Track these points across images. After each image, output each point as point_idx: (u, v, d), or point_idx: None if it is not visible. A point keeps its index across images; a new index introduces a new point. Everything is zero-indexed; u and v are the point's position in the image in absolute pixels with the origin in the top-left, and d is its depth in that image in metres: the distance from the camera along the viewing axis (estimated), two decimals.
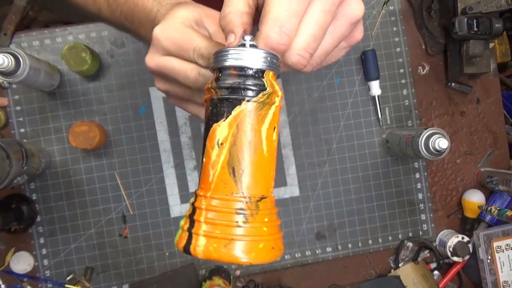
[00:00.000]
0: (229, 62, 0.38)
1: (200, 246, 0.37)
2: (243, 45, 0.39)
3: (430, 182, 0.87)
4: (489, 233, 0.80)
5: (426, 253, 0.87)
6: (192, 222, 0.38)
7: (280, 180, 0.84)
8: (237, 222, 0.37)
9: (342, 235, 0.85)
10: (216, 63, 0.39)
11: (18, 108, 0.81)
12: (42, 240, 0.82)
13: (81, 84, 0.82)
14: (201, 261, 0.83)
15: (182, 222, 0.39)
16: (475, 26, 0.75)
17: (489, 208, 0.79)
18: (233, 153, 0.39)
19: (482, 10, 0.77)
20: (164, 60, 0.46)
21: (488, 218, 0.86)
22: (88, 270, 0.81)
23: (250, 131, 0.39)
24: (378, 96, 0.84)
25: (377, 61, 0.83)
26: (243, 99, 0.38)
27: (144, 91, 0.83)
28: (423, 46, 0.86)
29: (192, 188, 0.83)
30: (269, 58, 0.39)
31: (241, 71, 0.38)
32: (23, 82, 0.72)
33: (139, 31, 0.56)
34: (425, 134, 0.71)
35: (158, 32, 0.45)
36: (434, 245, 0.86)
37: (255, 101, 0.39)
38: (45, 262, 0.81)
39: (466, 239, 0.82)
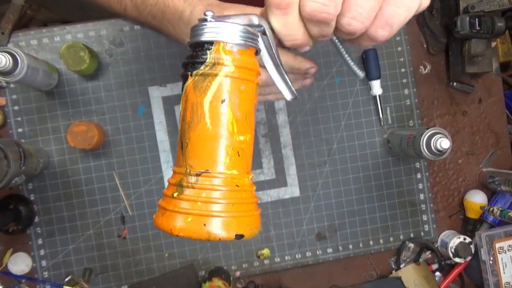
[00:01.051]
0: (193, 39, 0.41)
1: (156, 216, 0.40)
2: (204, 19, 0.40)
3: (431, 183, 0.87)
4: (491, 234, 0.80)
5: (427, 254, 0.87)
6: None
7: (281, 180, 0.84)
8: (173, 194, 0.39)
9: (343, 236, 0.85)
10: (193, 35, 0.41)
11: (16, 107, 0.81)
12: (40, 241, 0.81)
13: (79, 84, 0.82)
14: (200, 262, 0.83)
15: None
16: (477, 25, 0.75)
17: (491, 209, 0.79)
18: (182, 127, 0.40)
19: (484, 8, 0.77)
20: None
21: (490, 218, 0.86)
22: (87, 271, 0.81)
23: (192, 104, 0.40)
24: (379, 95, 0.84)
25: (378, 61, 0.83)
26: (190, 75, 0.40)
27: (143, 91, 0.83)
28: (425, 45, 0.86)
29: None
30: (224, 30, 0.39)
31: (194, 47, 0.40)
32: (21, 82, 0.72)
33: (167, 28, 0.63)
34: (427, 134, 0.71)
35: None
36: (436, 246, 0.86)
37: (195, 75, 0.40)
38: (43, 263, 0.81)
39: (468, 240, 0.82)
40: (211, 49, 0.40)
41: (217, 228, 0.38)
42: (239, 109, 0.40)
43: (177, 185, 0.39)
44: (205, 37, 0.40)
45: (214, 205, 0.38)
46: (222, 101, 0.39)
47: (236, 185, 0.40)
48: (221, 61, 0.39)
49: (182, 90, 0.40)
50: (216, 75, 0.39)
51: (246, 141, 0.41)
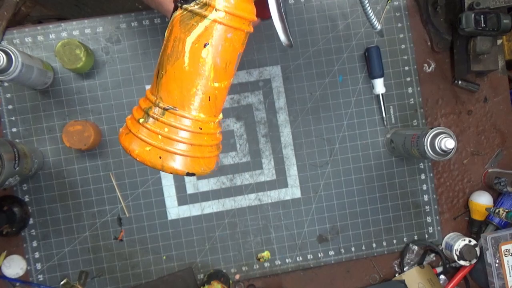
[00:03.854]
0: None
1: (121, 132, 0.42)
2: None
3: (436, 184, 0.87)
4: (497, 236, 0.80)
5: (432, 257, 0.87)
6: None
7: (281, 181, 0.84)
8: (139, 119, 0.40)
9: (345, 238, 0.85)
10: None
11: (10, 107, 0.81)
12: (35, 243, 0.81)
13: (75, 82, 0.82)
14: (199, 265, 0.83)
15: None
16: (482, 22, 0.75)
17: (497, 210, 0.79)
18: (162, 57, 0.40)
19: (489, 5, 0.76)
20: None
21: (496, 220, 0.86)
22: (83, 274, 0.81)
23: (175, 38, 0.39)
24: (382, 94, 0.84)
25: (381, 58, 0.83)
26: (180, 6, 0.39)
27: (140, 89, 0.83)
28: (429, 43, 0.86)
29: (190, 189, 0.83)
30: None
31: None
32: (15, 80, 0.72)
33: None
34: (431, 134, 0.71)
35: None
36: (440, 248, 0.86)
37: (184, 9, 0.39)
38: (38, 266, 0.81)
39: (473, 242, 0.82)
40: None
41: (171, 163, 0.40)
42: (220, 56, 0.40)
43: (144, 111, 0.41)
44: None
45: (174, 142, 0.40)
46: (205, 45, 0.39)
47: (200, 128, 0.41)
48: (212, 3, 0.38)
49: (170, 18, 0.40)
50: (204, 16, 0.39)
51: (220, 88, 0.42)
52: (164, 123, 0.40)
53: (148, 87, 0.82)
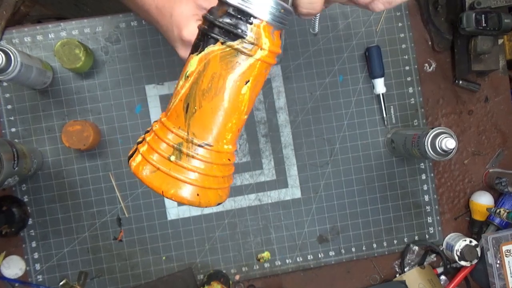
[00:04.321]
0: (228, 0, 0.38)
1: (135, 162, 0.40)
2: None
3: (436, 184, 0.87)
4: (498, 237, 0.80)
5: (432, 257, 0.87)
6: (143, 140, 0.41)
7: (281, 181, 0.84)
8: (169, 156, 0.39)
9: (345, 239, 0.85)
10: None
11: (9, 106, 0.81)
12: (34, 244, 0.81)
13: (74, 82, 0.82)
14: (199, 265, 0.83)
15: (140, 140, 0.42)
16: (483, 22, 0.75)
17: (498, 211, 0.79)
18: (193, 90, 0.39)
19: (490, 5, 0.76)
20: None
21: (497, 221, 0.86)
22: (82, 275, 0.81)
23: (214, 74, 0.38)
24: (382, 94, 0.84)
25: (381, 58, 0.83)
26: (218, 40, 0.37)
27: (140, 89, 0.83)
28: (430, 43, 0.86)
29: None
30: (273, 9, 0.37)
31: (233, 10, 0.37)
32: (14, 80, 0.72)
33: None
34: (432, 134, 0.71)
35: (185, 35, 0.52)
36: (441, 249, 0.86)
37: (228, 46, 0.37)
38: (37, 266, 0.81)
39: (474, 242, 0.82)
40: (252, 24, 0.38)
41: (208, 199, 0.40)
42: (255, 91, 0.40)
43: (176, 148, 0.39)
44: (252, 9, 0.37)
45: (211, 178, 0.40)
46: (246, 82, 0.39)
47: (228, 159, 0.41)
48: (260, 43, 0.38)
49: (200, 48, 0.38)
50: (250, 56, 0.38)
51: (245, 120, 0.42)
52: (201, 160, 0.39)
53: (148, 86, 0.82)
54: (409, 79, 0.86)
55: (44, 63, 0.79)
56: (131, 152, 0.41)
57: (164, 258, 0.83)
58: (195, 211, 0.84)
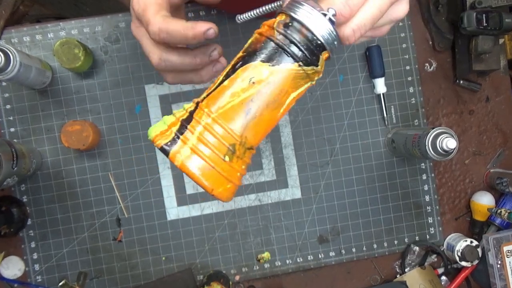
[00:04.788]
0: (306, 21, 0.39)
1: (182, 156, 0.39)
2: (324, 14, 0.39)
3: (437, 184, 0.87)
4: (499, 237, 0.80)
5: (433, 258, 0.87)
6: (183, 127, 0.39)
7: (281, 181, 0.84)
8: (224, 156, 0.39)
9: (345, 239, 0.85)
10: (293, 10, 0.39)
11: (8, 106, 0.81)
12: (33, 244, 0.81)
13: (73, 82, 0.82)
14: (199, 266, 0.83)
15: (168, 120, 0.40)
16: (484, 21, 0.75)
17: (499, 211, 0.79)
18: (256, 97, 0.40)
19: (492, 4, 0.76)
20: (136, 32, 0.50)
21: (498, 221, 0.86)
22: (81, 275, 0.81)
23: (282, 90, 0.40)
24: (383, 94, 0.84)
25: (382, 58, 0.83)
26: (297, 61, 0.40)
27: (139, 89, 0.83)
28: (430, 42, 0.86)
29: (189, 190, 0.83)
30: (334, 40, 0.40)
31: (311, 36, 0.39)
32: (13, 79, 0.72)
33: None
34: (432, 134, 0.70)
35: (134, 3, 0.48)
36: (442, 249, 0.86)
37: (304, 70, 0.40)
38: (36, 267, 0.81)
39: (475, 243, 0.82)
40: (321, 54, 0.41)
41: (231, 195, 0.42)
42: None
43: (229, 149, 0.40)
44: (325, 42, 0.40)
45: (241, 178, 0.42)
46: (297, 100, 0.42)
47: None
48: (320, 70, 0.41)
49: (274, 61, 0.39)
50: (312, 80, 0.42)
51: None
52: (244, 162, 0.41)
53: (148, 86, 0.82)
54: (409, 78, 0.86)
55: (43, 62, 0.79)
56: (163, 139, 0.39)
57: (163, 258, 0.83)
58: (195, 212, 0.84)
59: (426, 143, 0.71)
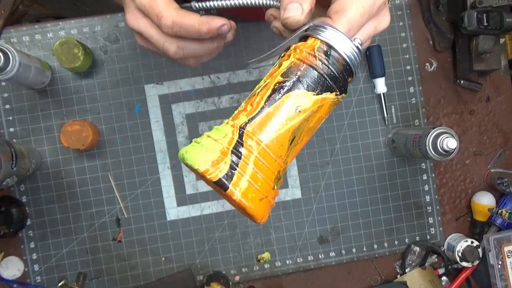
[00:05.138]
0: (342, 49, 0.41)
1: (241, 189, 0.37)
2: (356, 46, 0.42)
3: (438, 184, 0.87)
4: (500, 237, 0.80)
5: (433, 258, 0.87)
6: (237, 158, 0.38)
7: None
8: (274, 185, 0.40)
9: (346, 239, 0.85)
10: (327, 36, 0.41)
11: (7, 106, 0.81)
12: (32, 245, 0.81)
13: (73, 82, 0.82)
14: (199, 266, 0.83)
15: (219, 147, 0.38)
16: (485, 21, 0.75)
17: (499, 211, 0.79)
18: (302, 125, 0.41)
19: (492, 4, 0.76)
20: (138, 23, 0.48)
21: (498, 221, 0.85)
22: (81, 275, 0.81)
23: (321, 117, 0.42)
24: (383, 94, 0.84)
25: (382, 58, 0.83)
26: (335, 91, 0.41)
27: (139, 89, 0.83)
28: (431, 42, 0.86)
29: (189, 190, 0.83)
30: (358, 66, 0.43)
31: (345, 65, 0.42)
32: (12, 79, 0.72)
33: None
34: (433, 134, 0.70)
35: None
36: (442, 249, 0.86)
37: (338, 98, 0.42)
38: (36, 267, 0.81)
39: (476, 243, 0.82)
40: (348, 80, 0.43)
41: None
42: None
43: (277, 177, 0.40)
44: (355, 68, 0.42)
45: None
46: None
47: None
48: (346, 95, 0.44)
49: (318, 90, 0.41)
50: (338, 105, 0.44)
51: None
52: (278, 185, 0.42)
53: (148, 86, 0.82)
54: (410, 78, 0.86)
55: (42, 62, 0.79)
56: (220, 171, 0.37)
57: (163, 259, 0.83)
58: (195, 212, 0.84)
59: (427, 143, 0.71)
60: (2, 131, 0.81)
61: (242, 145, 0.38)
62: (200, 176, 0.40)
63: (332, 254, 0.85)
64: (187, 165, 0.40)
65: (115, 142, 0.82)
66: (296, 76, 0.40)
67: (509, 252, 0.79)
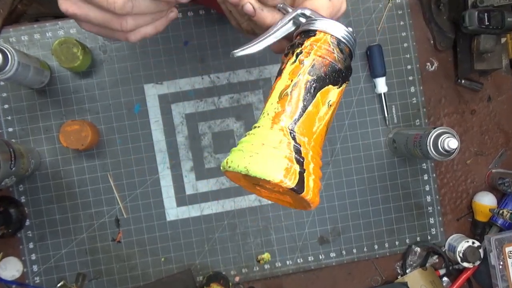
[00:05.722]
0: (347, 41, 0.44)
1: (311, 188, 0.40)
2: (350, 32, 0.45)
3: (439, 184, 0.87)
4: (501, 238, 0.80)
5: (434, 259, 0.87)
6: (301, 160, 0.40)
7: None
8: (320, 174, 0.43)
9: (346, 240, 0.85)
10: (334, 30, 0.43)
11: (6, 106, 0.81)
12: (31, 245, 0.81)
13: (72, 81, 0.82)
14: (198, 266, 0.83)
15: (282, 153, 0.39)
16: (486, 20, 0.75)
17: (501, 211, 0.79)
18: (332, 117, 0.45)
19: (493, 3, 0.76)
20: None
21: (500, 221, 0.85)
22: (80, 276, 0.81)
23: (337, 106, 0.46)
24: (384, 93, 0.84)
25: (383, 57, 0.83)
26: (348, 80, 0.45)
27: (138, 89, 0.82)
28: (432, 41, 0.86)
29: (189, 190, 0.83)
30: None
31: (351, 54, 0.46)
32: (11, 79, 0.72)
33: None
34: (434, 134, 0.70)
35: None
36: (443, 250, 0.86)
37: (346, 86, 0.45)
38: (35, 268, 0.81)
39: (477, 243, 0.82)
40: None
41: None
42: None
43: (321, 169, 0.44)
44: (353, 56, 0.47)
45: None
46: None
47: None
48: None
49: (340, 83, 0.44)
50: None
51: None
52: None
53: (147, 86, 0.82)
54: (410, 78, 0.86)
55: (41, 62, 0.79)
56: (294, 179, 0.39)
57: (163, 259, 0.83)
58: (194, 212, 0.83)
59: (428, 143, 0.70)
60: (1, 131, 0.81)
61: (300, 146, 0.41)
62: (258, 184, 0.44)
63: (332, 254, 0.85)
64: (245, 176, 0.40)
65: (115, 142, 0.82)
66: (323, 73, 0.42)
67: (510, 253, 0.79)
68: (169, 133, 0.83)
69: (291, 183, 0.39)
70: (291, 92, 0.42)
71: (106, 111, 0.82)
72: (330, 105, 0.43)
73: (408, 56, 0.86)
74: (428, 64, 0.87)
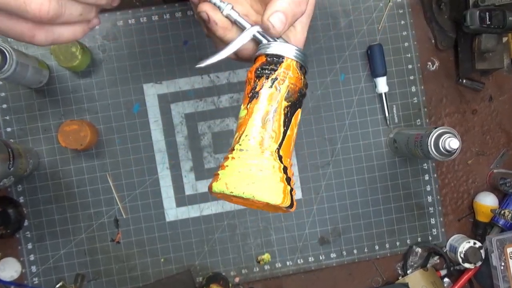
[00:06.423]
0: (305, 63, 0.46)
1: (295, 202, 0.45)
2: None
3: (440, 184, 0.87)
4: (503, 238, 0.79)
5: (435, 259, 0.87)
6: (289, 183, 0.44)
7: None
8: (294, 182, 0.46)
9: (347, 240, 0.85)
10: (295, 54, 0.45)
11: (4, 106, 0.81)
12: (30, 246, 0.81)
13: (71, 81, 0.82)
14: (198, 267, 0.83)
15: (277, 177, 0.43)
16: (487, 20, 0.75)
17: (502, 212, 0.79)
18: (295, 134, 0.47)
19: (495, 2, 0.76)
20: None
21: (501, 222, 0.85)
22: (79, 277, 0.81)
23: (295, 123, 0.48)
24: (385, 93, 0.84)
25: (384, 57, 0.83)
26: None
27: (137, 88, 0.82)
28: (433, 41, 0.86)
29: (188, 190, 0.83)
30: None
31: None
32: (9, 79, 0.71)
33: None
34: (435, 134, 0.70)
35: None
36: (444, 250, 0.86)
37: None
38: (33, 268, 0.81)
39: (478, 244, 0.82)
40: None
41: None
42: None
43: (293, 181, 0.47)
44: None
45: None
46: None
47: None
48: None
49: (298, 104, 0.46)
50: None
51: None
52: None
53: (147, 85, 0.82)
54: (411, 78, 0.86)
55: (40, 61, 0.78)
56: (288, 199, 0.43)
57: (162, 260, 0.83)
58: (194, 213, 0.83)
59: (429, 143, 0.70)
60: None
61: (286, 168, 0.45)
62: (254, 205, 0.46)
63: (333, 255, 0.85)
64: (249, 200, 0.44)
65: (114, 142, 0.82)
66: (295, 99, 0.45)
67: (511, 253, 0.79)
68: (169, 133, 0.83)
69: (288, 203, 0.43)
70: (273, 117, 0.45)
71: (105, 111, 0.82)
72: (298, 125, 0.47)
73: (409, 55, 0.85)
74: (429, 63, 0.87)
